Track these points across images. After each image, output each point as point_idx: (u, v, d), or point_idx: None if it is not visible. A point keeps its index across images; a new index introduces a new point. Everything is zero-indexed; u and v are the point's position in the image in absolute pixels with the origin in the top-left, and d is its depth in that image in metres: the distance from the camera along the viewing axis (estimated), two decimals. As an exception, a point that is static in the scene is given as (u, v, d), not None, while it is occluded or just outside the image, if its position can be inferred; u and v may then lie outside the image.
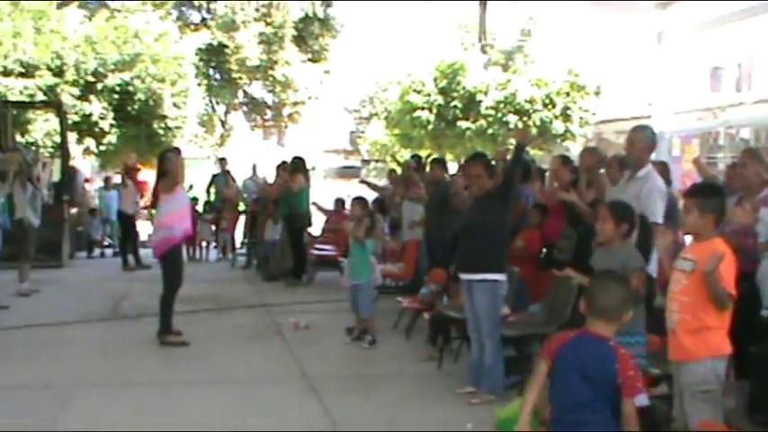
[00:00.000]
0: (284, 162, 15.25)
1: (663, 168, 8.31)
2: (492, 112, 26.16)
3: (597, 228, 5.73)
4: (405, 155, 28.12)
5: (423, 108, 27.18)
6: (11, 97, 21.34)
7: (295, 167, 14.47)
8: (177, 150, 9.91)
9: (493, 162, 7.90)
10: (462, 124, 26.57)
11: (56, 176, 18.43)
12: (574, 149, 23.84)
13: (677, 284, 4.93)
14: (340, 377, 7.96)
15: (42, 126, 22.96)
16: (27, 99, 21.82)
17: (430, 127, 27.22)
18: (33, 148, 21.51)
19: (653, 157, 7.55)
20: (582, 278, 5.78)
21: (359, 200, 10.11)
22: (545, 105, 26.09)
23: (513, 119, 25.71)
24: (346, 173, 46.06)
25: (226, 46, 39.02)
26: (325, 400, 7.05)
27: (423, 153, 22.75)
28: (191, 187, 18.43)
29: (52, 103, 21.41)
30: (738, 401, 5.74)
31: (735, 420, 5.37)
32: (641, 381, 4.06)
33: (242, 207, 18.97)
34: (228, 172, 19.44)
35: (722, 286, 4.67)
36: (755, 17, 12.01)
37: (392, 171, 17.06)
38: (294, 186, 14.09)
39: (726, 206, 5.24)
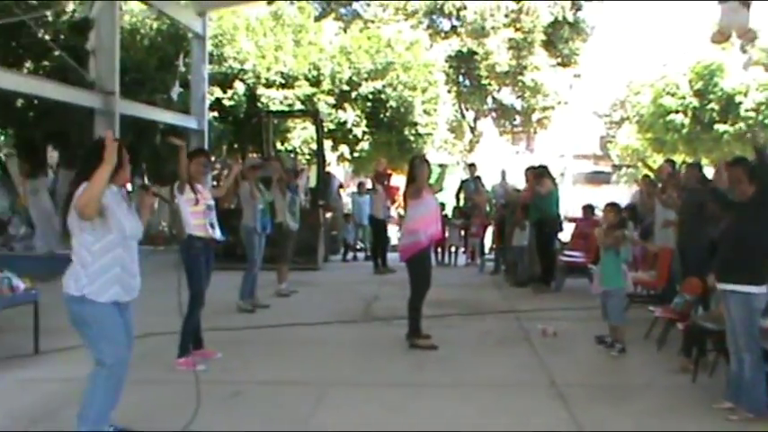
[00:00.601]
0: (532, 166, 15.14)
1: None
2: (752, 114, 24.86)
3: None
4: (657, 160, 27.24)
5: (677, 111, 26.28)
6: (272, 107, 22.48)
7: (541, 173, 14.32)
8: (422, 157, 10.03)
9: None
10: (719, 127, 25.46)
11: (312, 182, 19.16)
12: None
13: None
14: (589, 386, 7.78)
15: (300, 134, 24.01)
16: (287, 108, 22.89)
17: (684, 131, 26.28)
18: (293, 155, 22.49)
19: None
20: None
21: (612, 205, 9.85)
22: (812, 106, 24.49)
23: (775, 121, 24.31)
24: (596, 178, 45.25)
25: (475, 52, 39.26)
26: (574, 408, 6.92)
27: (676, 158, 21.94)
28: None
29: (310, 111, 22.33)
30: None
31: None
32: None
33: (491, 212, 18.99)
34: (478, 177, 19.51)
35: None
36: None
37: (645, 177, 16.50)
38: (542, 190, 13.95)
39: None
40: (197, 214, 8.29)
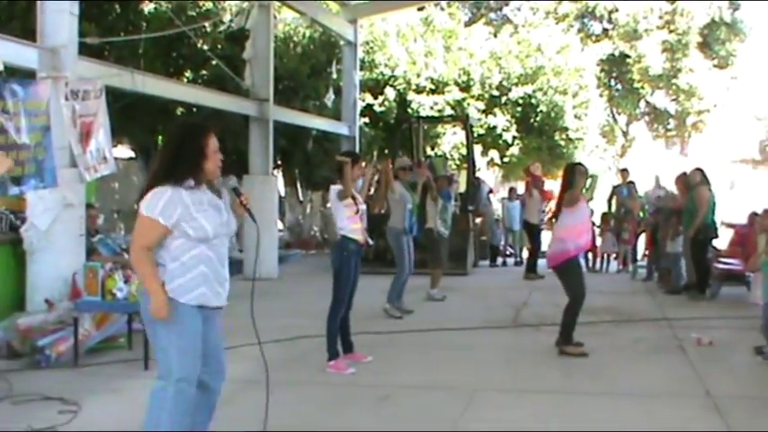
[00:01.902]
0: (684, 173, 14.68)
1: None
2: None
3: None
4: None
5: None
6: (422, 113, 22.62)
7: (698, 181, 13.87)
8: (581, 165, 9.72)
9: None
10: None
11: (462, 187, 19.15)
12: None
13: None
14: (746, 397, 7.50)
15: (450, 139, 24.06)
16: (437, 114, 22.99)
17: None
18: (446, 161, 22.54)
19: None
20: None
21: None
22: None
23: None
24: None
25: (627, 55, 38.57)
26: (730, 420, 6.67)
27: None
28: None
29: (459, 117, 22.37)
30: None
31: None
32: None
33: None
34: (632, 183, 19.10)
35: None
36: None
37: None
38: (699, 200, 13.51)
39: None
40: (354, 218, 8.35)
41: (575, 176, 9.19)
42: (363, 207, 8.55)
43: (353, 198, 8.36)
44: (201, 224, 4.76)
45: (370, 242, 8.84)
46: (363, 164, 8.65)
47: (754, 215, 15.31)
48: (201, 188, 4.88)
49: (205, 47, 18.01)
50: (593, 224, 17.69)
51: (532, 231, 17.18)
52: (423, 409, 7.05)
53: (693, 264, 13.92)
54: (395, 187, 11.80)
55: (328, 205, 8.60)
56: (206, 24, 18.11)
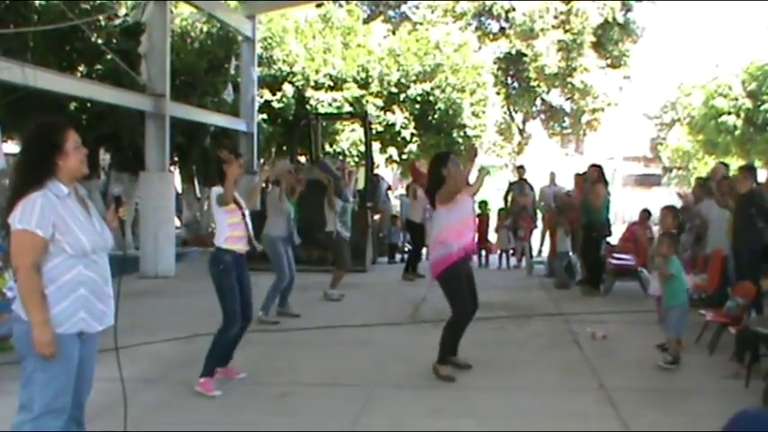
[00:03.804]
0: (584, 173, 14.98)
1: None
2: (807, 115, 24.50)
3: None
4: (709, 162, 27.00)
5: (729, 113, 25.98)
6: (321, 109, 22.61)
7: (595, 178, 14.17)
8: (449, 153, 9.13)
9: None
10: (773, 129, 25.07)
11: (360, 184, 19.19)
12: None
13: None
14: (639, 390, 7.71)
15: (349, 136, 24.10)
16: (335, 111, 22.99)
17: (737, 132, 25.95)
18: (341, 157, 22.57)
19: None
20: None
21: (670, 209, 9.75)
22: None
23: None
24: (646, 181, 44.90)
25: (524, 54, 39.19)
26: (623, 412, 6.87)
27: (729, 160, 21.68)
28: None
29: (358, 114, 22.40)
30: None
31: None
32: None
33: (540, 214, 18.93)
34: (525, 180, 19.43)
35: None
36: None
37: (699, 179, 16.31)
38: (594, 200, 13.82)
39: None
40: (236, 225, 7.58)
41: (446, 168, 8.17)
42: (247, 212, 7.81)
43: (236, 202, 7.59)
44: (78, 237, 4.37)
45: (258, 248, 8.34)
46: (262, 160, 8.21)
47: (645, 212, 15.79)
48: (72, 197, 4.47)
49: (99, 41, 17.64)
50: (481, 219, 17.99)
51: (415, 231, 17.06)
52: (322, 406, 7.07)
53: (586, 260, 14.26)
54: (273, 191, 11.34)
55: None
56: (100, 18, 17.75)
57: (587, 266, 14.31)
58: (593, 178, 14.07)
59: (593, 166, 14.53)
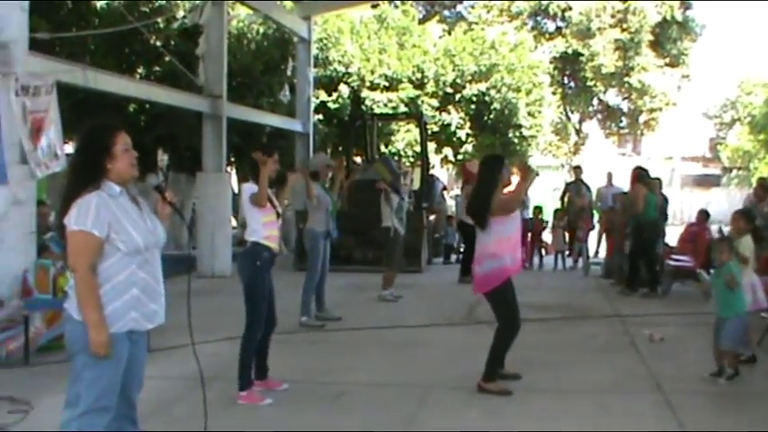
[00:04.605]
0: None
1: None
2: None
3: None
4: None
5: (792, 111, 25.47)
6: (376, 110, 22.64)
7: (634, 178, 14.07)
8: (501, 156, 8.51)
9: None
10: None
11: (416, 185, 19.19)
12: None
13: None
14: (697, 393, 7.61)
15: (404, 136, 24.11)
16: (390, 111, 23.01)
17: (800, 132, 25.46)
18: (396, 157, 22.59)
19: None
20: None
21: (742, 213, 9.54)
22: None
23: None
24: (705, 181, 44.27)
25: (581, 54, 38.88)
26: (680, 415, 6.78)
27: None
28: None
29: (413, 114, 22.41)
30: None
31: None
32: None
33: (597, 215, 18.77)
34: (582, 180, 19.28)
35: None
36: None
37: (761, 179, 16.01)
38: (634, 201, 13.71)
39: None
40: (270, 224, 7.34)
41: (500, 173, 7.68)
42: (281, 211, 7.63)
43: (271, 202, 7.35)
44: (131, 235, 4.39)
45: (285, 251, 8.10)
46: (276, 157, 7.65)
47: (703, 212, 15.59)
48: (125, 196, 4.48)
49: (158, 43, 17.88)
50: (536, 223, 17.92)
51: (468, 232, 16.64)
52: (378, 406, 7.09)
53: (643, 262, 14.11)
54: (311, 189, 10.98)
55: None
56: (159, 20, 17.98)
57: (634, 268, 14.13)
58: (631, 180, 14.03)
59: (636, 168, 14.44)
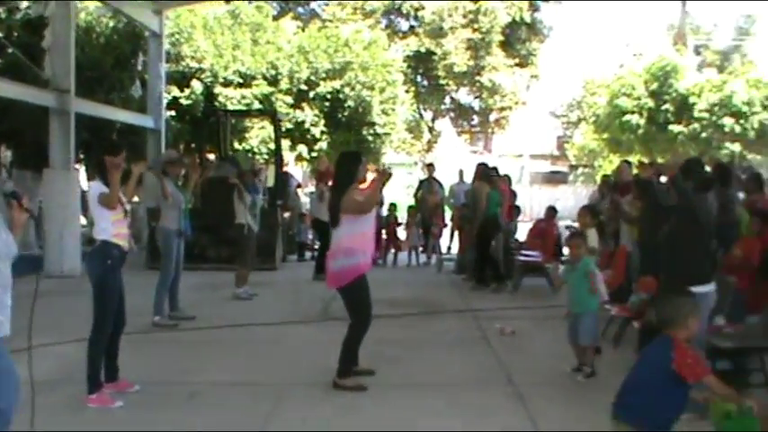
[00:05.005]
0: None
1: None
2: (706, 115, 25.23)
3: None
4: (614, 160, 27.58)
5: (632, 112, 26.56)
6: (229, 106, 22.41)
7: (477, 175, 14.42)
8: (359, 153, 8.79)
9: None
10: (674, 128, 25.76)
11: (270, 182, 19.10)
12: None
13: None
14: (546, 384, 7.84)
15: (258, 133, 23.96)
16: (244, 108, 22.82)
17: (640, 131, 26.55)
18: (250, 155, 22.43)
19: None
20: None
21: (589, 209, 9.87)
22: (764, 107, 24.89)
23: (728, 122, 24.67)
24: (553, 178, 45.63)
25: (433, 53, 39.40)
26: (531, 407, 6.98)
27: (632, 158, 22.17)
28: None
29: (267, 111, 22.28)
30: None
31: None
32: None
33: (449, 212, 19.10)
34: (435, 178, 19.58)
35: None
36: None
37: (604, 177, 16.66)
38: (478, 195, 14.07)
39: None
40: (120, 222, 7.16)
41: (356, 169, 7.77)
42: (129, 208, 7.49)
43: (119, 200, 7.11)
44: None
45: (135, 249, 7.90)
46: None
47: (551, 209, 16.07)
48: None
49: (0, 34, 17.20)
50: (390, 220, 18.14)
51: (323, 229, 16.54)
52: (232, 406, 7.01)
53: (480, 257, 14.46)
54: (166, 187, 10.75)
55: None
56: (0, 10, 17.30)
57: (481, 263, 14.49)
58: (474, 176, 14.38)
59: (479, 165, 14.77)
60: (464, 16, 39.20)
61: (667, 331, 4.76)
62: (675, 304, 4.85)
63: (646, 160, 20.50)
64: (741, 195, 11.33)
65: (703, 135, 25.56)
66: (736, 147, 25.83)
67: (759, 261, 9.09)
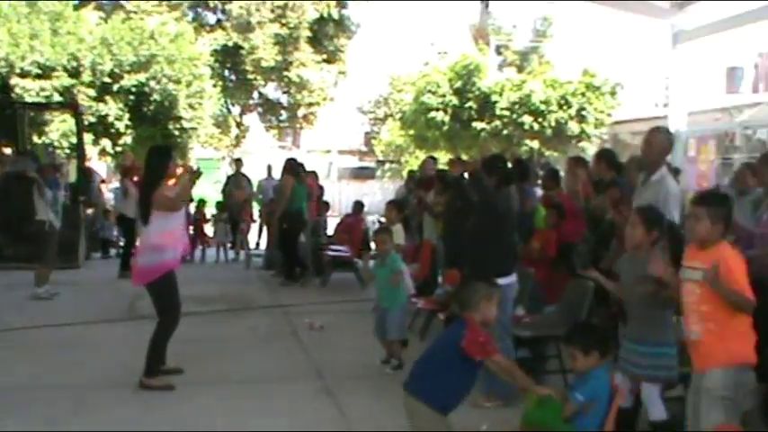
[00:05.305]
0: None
1: (674, 173, 8.22)
2: (507, 113, 26.16)
3: (626, 233, 5.70)
4: (420, 156, 28.19)
5: (437, 109, 27.18)
6: (28, 99, 21.47)
7: (284, 169, 14.51)
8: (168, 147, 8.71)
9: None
10: (477, 125, 26.56)
11: (72, 177, 18.48)
12: (590, 150, 23.80)
13: (691, 295, 4.97)
14: (355, 378, 7.95)
15: (59, 127, 23.05)
16: (44, 100, 21.92)
17: (445, 128, 27.22)
18: (51, 149, 21.58)
19: (669, 158, 7.55)
20: (607, 282, 5.83)
21: (395, 204, 10.04)
22: (560, 106, 26.08)
23: (528, 120, 25.69)
24: (362, 173, 46.20)
25: (241, 47, 39.06)
26: (340, 401, 7.06)
27: (438, 154, 22.74)
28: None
29: (68, 104, 21.47)
30: (754, 403, 5.69)
31: (751, 422, 5.35)
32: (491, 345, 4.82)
33: (257, 207, 19.05)
34: (243, 173, 19.47)
35: (736, 292, 4.74)
36: (772, 18, 11.88)
37: (410, 172, 17.03)
38: (282, 189, 14.19)
39: (732, 214, 5.21)
40: None
41: (166, 164, 7.60)
42: None
43: None
44: None
45: None
46: None
47: (357, 204, 16.29)
48: None
49: None
50: (203, 217, 17.95)
51: (128, 226, 15.75)
52: (30, 410, 6.78)
53: (283, 252, 14.55)
54: None
55: None
56: None
57: (290, 259, 14.58)
58: (282, 171, 14.51)
59: (288, 160, 14.87)
60: (272, 11, 39.01)
61: (463, 314, 4.96)
62: (472, 288, 5.05)
63: (464, 157, 21.09)
64: (539, 191, 11.85)
65: (505, 132, 26.47)
66: (535, 144, 26.90)
67: (555, 253, 9.53)
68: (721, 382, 4.80)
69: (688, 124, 14.18)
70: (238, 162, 20.18)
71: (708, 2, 13.28)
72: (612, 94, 27.06)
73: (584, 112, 26.18)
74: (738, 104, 20.68)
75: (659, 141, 6.98)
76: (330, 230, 16.93)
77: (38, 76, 22.48)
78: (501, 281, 6.41)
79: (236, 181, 19.15)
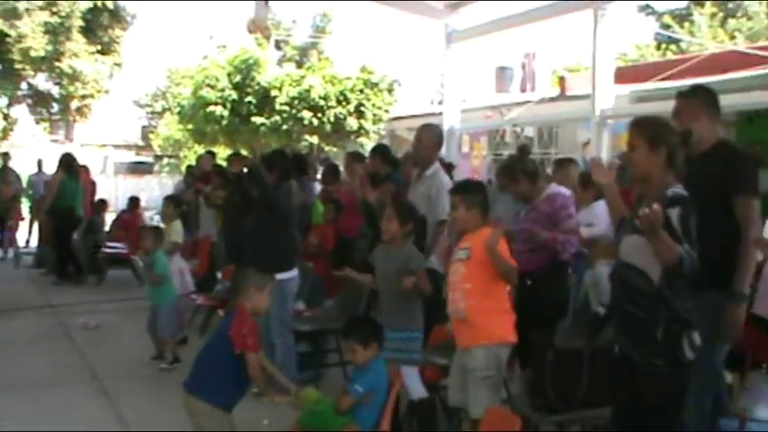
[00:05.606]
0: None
1: (447, 168, 8.51)
2: (286, 108, 26.22)
3: (382, 226, 5.85)
4: (198, 150, 27.84)
5: (216, 103, 26.89)
6: None
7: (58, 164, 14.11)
8: None
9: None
10: (257, 120, 26.49)
11: None
12: (368, 146, 24.22)
13: (456, 275, 5.20)
14: (132, 378, 7.78)
15: None
16: None
17: (224, 122, 26.98)
18: None
19: (443, 153, 7.82)
20: (362, 277, 6.01)
21: (172, 199, 9.89)
22: (339, 102, 26.38)
23: (307, 115, 25.86)
24: (139, 168, 45.12)
25: (8, 35, 37.22)
26: (117, 402, 6.89)
27: (217, 149, 22.53)
28: None
29: None
30: (521, 388, 5.98)
31: (518, 405, 5.62)
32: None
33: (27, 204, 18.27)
34: (11, 168, 18.62)
35: (504, 258, 5.03)
36: (538, 21, 12.50)
37: (189, 167, 16.84)
38: (52, 185, 13.82)
39: (489, 201, 5.49)
40: None
41: None
42: None
43: None
44: None
45: None
46: None
47: (133, 199, 15.97)
48: None
49: None
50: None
51: None
52: None
53: (60, 250, 14.10)
54: None
55: None
56: None
57: (63, 257, 14.14)
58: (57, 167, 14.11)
59: (63, 155, 14.44)
60: (41, -1, 37.46)
61: (235, 301, 5.01)
62: (243, 275, 5.09)
63: (243, 152, 20.97)
64: (317, 186, 12.00)
65: (284, 127, 26.49)
66: (315, 139, 27.11)
67: (333, 247, 9.69)
68: (484, 361, 5.03)
69: (461, 121, 14.71)
70: (5, 156, 19.24)
71: (480, 2, 13.84)
72: (390, 90, 27.62)
73: (362, 108, 26.59)
74: (508, 103, 21.60)
75: (428, 138, 7.24)
76: (107, 227, 16.44)
77: None
78: (282, 276, 6.49)
79: (4, 176, 18.25)
